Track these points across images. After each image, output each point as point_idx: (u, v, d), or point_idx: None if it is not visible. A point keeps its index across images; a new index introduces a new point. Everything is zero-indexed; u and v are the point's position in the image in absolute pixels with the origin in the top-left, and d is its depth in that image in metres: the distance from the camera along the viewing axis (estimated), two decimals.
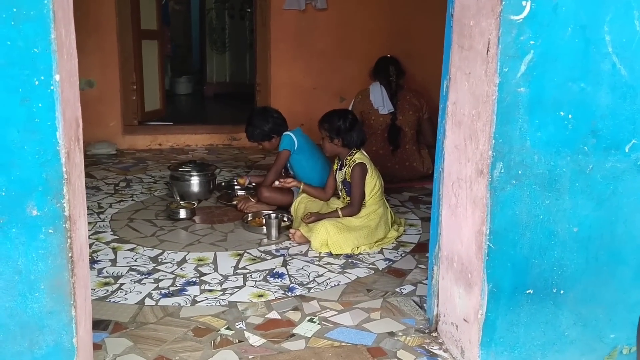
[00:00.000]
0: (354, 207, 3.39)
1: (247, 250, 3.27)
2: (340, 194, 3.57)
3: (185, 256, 3.18)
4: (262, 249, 3.31)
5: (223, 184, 4.52)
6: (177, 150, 5.78)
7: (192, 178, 4.11)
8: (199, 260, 3.13)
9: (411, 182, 4.64)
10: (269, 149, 4.12)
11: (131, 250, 3.26)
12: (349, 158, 3.45)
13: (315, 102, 5.77)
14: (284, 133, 3.88)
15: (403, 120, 4.68)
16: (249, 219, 3.72)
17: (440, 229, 2.37)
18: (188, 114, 7.66)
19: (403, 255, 3.26)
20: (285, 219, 3.66)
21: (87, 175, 4.78)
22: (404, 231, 3.58)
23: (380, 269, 3.07)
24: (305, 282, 2.89)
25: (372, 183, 3.41)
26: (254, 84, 6.28)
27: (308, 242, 3.32)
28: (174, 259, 3.14)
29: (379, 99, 4.66)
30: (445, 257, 2.32)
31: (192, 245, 3.34)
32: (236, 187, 4.36)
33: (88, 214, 3.79)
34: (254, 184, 4.29)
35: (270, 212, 3.77)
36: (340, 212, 3.39)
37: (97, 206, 4.01)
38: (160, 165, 5.22)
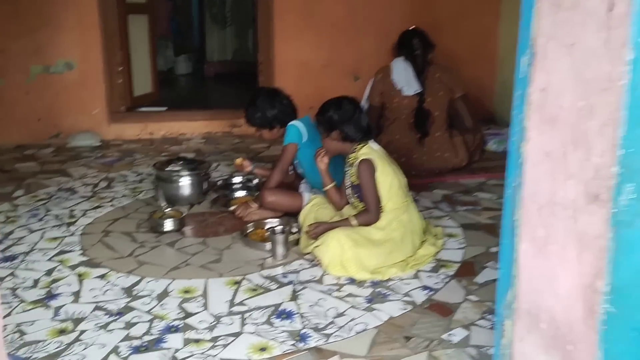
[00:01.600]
0: (371, 213, 2.70)
1: (247, 276, 2.59)
2: (352, 200, 2.86)
3: (168, 285, 2.50)
4: (265, 273, 2.62)
5: (219, 182, 3.82)
6: (170, 140, 5.08)
7: (182, 179, 3.41)
8: (185, 291, 2.45)
9: (442, 177, 3.92)
10: (268, 139, 3.40)
11: (101, 277, 2.58)
12: (352, 155, 2.75)
13: (326, 82, 5.04)
14: (290, 123, 3.17)
15: (432, 102, 3.94)
16: (249, 230, 3.03)
17: (516, 270, 1.66)
18: (185, 98, 6.92)
19: (446, 281, 2.56)
20: (293, 229, 2.97)
21: (63, 173, 4.11)
22: (443, 245, 2.88)
23: (419, 302, 2.37)
24: (321, 325, 2.20)
25: (386, 181, 2.70)
26: (256, 63, 5.54)
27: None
28: (153, 291, 2.46)
29: (403, 78, 3.92)
30: (526, 311, 1.62)
31: (179, 270, 2.66)
32: (234, 184, 3.66)
33: (55, 226, 3.16)
34: (257, 179, 3.59)
35: (275, 220, 3.08)
36: (353, 220, 2.69)
37: (68, 215, 3.33)
38: (150, 158, 4.52)
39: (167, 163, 3.50)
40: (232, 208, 3.35)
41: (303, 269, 2.66)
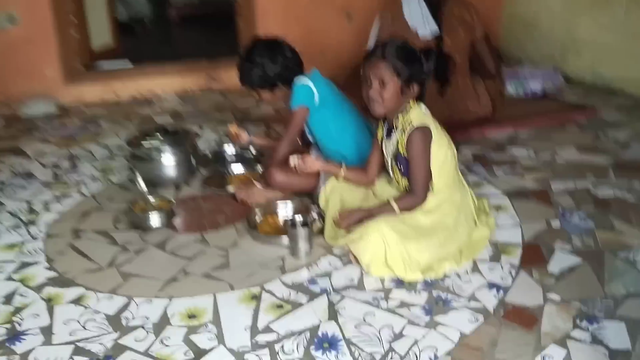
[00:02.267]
0: (417, 194, 2.15)
1: (266, 285, 2.04)
2: (391, 175, 2.30)
3: (166, 308, 1.94)
4: (288, 279, 2.08)
5: (209, 154, 3.21)
6: (139, 101, 4.40)
7: (164, 157, 2.79)
8: (189, 316, 1.89)
9: (466, 130, 3.37)
10: (269, 101, 2.78)
11: (77, 301, 2.00)
12: (401, 118, 2.17)
13: (316, 22, 4.38)
14: (297, 81, 2.55)
15: (452, 44, 3.34)
16: (258, 220, 2.46)
17: None
18: (151, 49, 6.12)
19: (512, 273, 2.05)
20: (314, 215, 2.41)
21: (15, 152, 3.44)
22: (495, 223, 2.36)
23: (491, 308, 1.87)
24: (378, 356, 1.68)
25: (440, 154, 2.15)
26: (232, 2, 4.79)
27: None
28: (148, 318, 1.90)
29: (418, 17, 3.31)
30: None
31: (176, 282, 2.09)
32: (228, 156, 3.06)
33: (11, 228, 2.52)
34: (255, 149, 3.00)
35: (286, 202, 2.51)
36: (394, 205, 2.14)
37: (26, 209, 2.71)
38: (119, 126, 3.87)
39: (142, 137, 2.86)
40: (230, 189, 2.76)
41: (335, 269, 2.11)
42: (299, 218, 2.26)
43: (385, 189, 2.34)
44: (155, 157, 2.78)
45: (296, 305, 1.92)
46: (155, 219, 2.43)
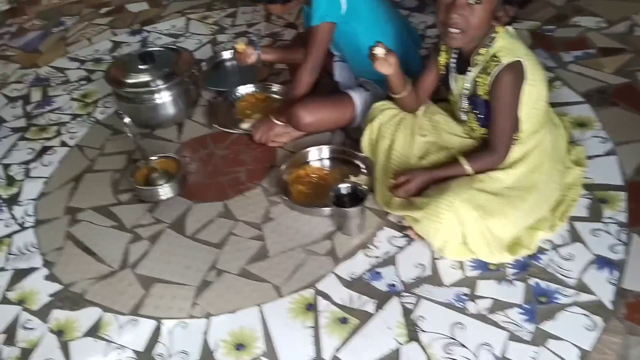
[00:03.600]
0: (498, 151, 1.67)
1: (319, 285, 1.65)
2: (462, 118, 1.79)
3: (205, 335, 1.58)
4: (344, 271, 1.68)
5: (205, 65, 2.63)
6: None
7: (157, 96, 2.23)
8: (237, 344, 1.54)
9: None
10: (280, 13, 2.14)
11: (95, 331, 1.64)
12: (484, 52, 1.62)
13: None
14: None
15: None
16: (285, 172, 2.00)
17: None
18: None
19: (623, 237, 1.65)
20: (362, 171, 1.96)
21: None
22: (585, 157, 1.90)
23: (609, 304, 1.50)
24: None
25: (533, 93, 1.63)
26: None
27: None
28: (186, 354, 1.54)
29: None
30: None
31: (209, 290, 1.69)
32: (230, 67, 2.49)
33: None
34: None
35: (321, 149, 2.04)
36: (467, 166, 1.68)
37: (4, 179, 2.23)
38: (86, 24, 3.18)
39: (124, 70, 2.26)
40: (244, 126, 2.25)
41: (399, 251, 1.71)
42: (345, 188, 1.80)
43: (452, 136, 1.84)
44: (145, 97, 2.22)
45: (364, 317, 1.55)
46: (166, 191, 1.97)
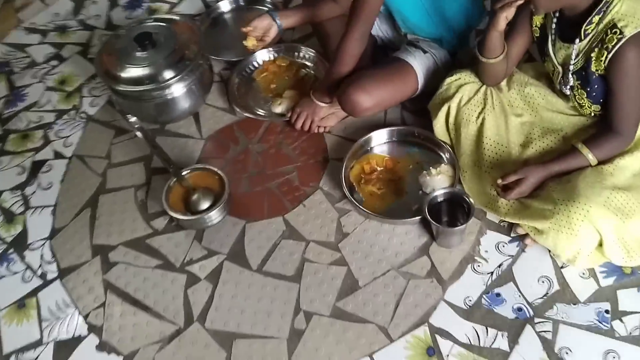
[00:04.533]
0: (624, 134, 1.39)
1: (434, 322, 1.41)
2: (566, 93, 1.48)
3: None
4: (455, 296, 1.44)
5: (201, 28, 2.17)
6: None
7: (167, 91, 1.82)
8: None
9: None
10: None
11: None
12: (596, 20, 1.31)
13: None
14: None
15: None
16: (346, 168, 1.68)
17: None
18: None
19: None
20: (442, 161, 1.66)
21: None
22: None
23: None
24: None
25: None
26: None
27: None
28: None
29: None
30: None
31: (303, 344, 1.43)
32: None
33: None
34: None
35: (386, 131, 1.72)
36: (589, 155, 1.40)
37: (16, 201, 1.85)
38: None
39: (119, 61, 1.81)
40: (278, 110, 1.88)
41: (513, 263, 1.47)
42: (442, 195, 1.50)
43: (555, 115, 1.53)
44: (153, 95, 1.80)
45: (499, 358, 1.34)
46: (214, 216, 1.63)
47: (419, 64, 1.71)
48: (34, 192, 1.85)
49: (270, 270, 1.56)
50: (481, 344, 1.37)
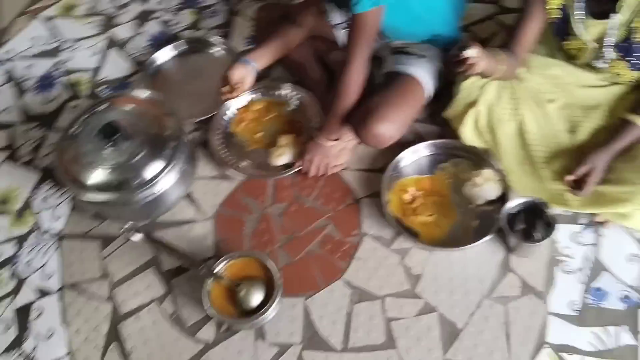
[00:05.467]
0: None
1: (549, 339, 1.35)
2: (601, 65, 1.42)
3: None
4: (558, 304, 1.38)
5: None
6: None
7: (154, 188, 1.55)
8: None
9: None
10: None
11: None
12: None
13: None
14: None
15: None
16: (385, 203, 1.54)
17: None
18: None
19: None
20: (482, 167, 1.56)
21: None
22: None
23: None
24: None
25: None
26: None
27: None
28: None
29: None
30: None
31: None
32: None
33: None
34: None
35: (415, 150, 1.60)
36: None
37: None
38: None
39: (82, 154, 1.52)
40: (279, 161, 1.67)
41: (597, 251, 1.43)
42: (517, 206, 1.41)
43: (590, 90, 1.47)
44: (136, 197, 1.53)
45: (629, 354, 1.31)
46: (273, 309, 1.43)
47: (422, 72, 1.58)
48: (36, 346, 1.53)
49: (358, 344, 1.41)
50: (609, 346, 1.32)
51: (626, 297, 1.37)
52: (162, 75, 1.93)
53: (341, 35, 1.73)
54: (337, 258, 1.53)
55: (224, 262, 1.47)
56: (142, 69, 1.93)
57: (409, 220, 1.53)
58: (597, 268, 1.42)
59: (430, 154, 1.62)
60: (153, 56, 1.93)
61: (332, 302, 1.47)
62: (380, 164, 1.64)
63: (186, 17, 2.09)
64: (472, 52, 1.28)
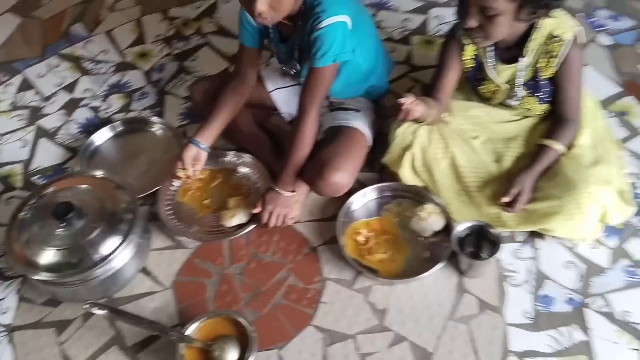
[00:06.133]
0: (576, 120, 1.61)
1: (512, 347, 1.46)
2: (513, 103, 1.65)
3: None
4: (512, 315, 1.51)
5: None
6: None
7: (112, 264, 1.55)
8: None
9: None
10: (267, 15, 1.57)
11: None
12: (535, 36, 1.51)
13: None
14: (328, 15, 1.50)
15: None
16: (342, 248, 1.64)
17: None
18: None
19: None
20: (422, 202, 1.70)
21: None
22: None
23: None
24: None
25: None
26: None
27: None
28: None
29: None
30: None
31: None
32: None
33: None
34: None
35: (363, 193, 1.72)
36: (559, 146, 1.58)
37: None
38: None
39: (33, 236, 1.50)
40: (233, 222, 1.72)
41: (537, 262, 1.59)
42: (464, 230, 1.55)
43: (506, 124, 1.69)
44: (94, 274, 1.52)
45: (583, 348, 1.44)
46: None
47: (361, 124, 1.73)
48: None
49: None
50: (565, 345, 1.45)
51: (570, 299, 1.52)
52: (99, 156, 1.94)
53: (278, 99, 1.86)
54: (304, 306, 1.58)
55: (194, 324, 1.48)
56: (78, 153, 1.93)
57: (366, 260, 1.62)
58: (540, 278, 1.57)
59: (376, 197, 1.74)
60: (89, 139, 1.94)
61: (306, 348, 1.51)
62: (329, 213, 1.73)
63: (115, 101, 2.13)
64: (409, 100, 1.45)
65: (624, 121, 1.86)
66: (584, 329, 1.47)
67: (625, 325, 1.47)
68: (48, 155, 2.00)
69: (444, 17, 2.24)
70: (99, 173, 1.68)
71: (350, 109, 1.76)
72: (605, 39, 2.11)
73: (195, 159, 1.70)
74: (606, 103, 1.89)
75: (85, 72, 2.25)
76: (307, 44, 1.54)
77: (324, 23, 1.48)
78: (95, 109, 2.12)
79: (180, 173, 1.70)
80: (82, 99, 2.16)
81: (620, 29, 2.15)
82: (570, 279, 1.55)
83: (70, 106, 2.14)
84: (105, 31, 2.39)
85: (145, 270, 1.68)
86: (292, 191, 1.68)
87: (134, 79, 2.20)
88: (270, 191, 1.67)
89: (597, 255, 1.59)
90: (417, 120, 1.58)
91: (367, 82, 1.77)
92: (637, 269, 1.55)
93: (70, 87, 2.20)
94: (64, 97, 2.18)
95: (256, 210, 1.67)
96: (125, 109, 2.11)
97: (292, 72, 1.77)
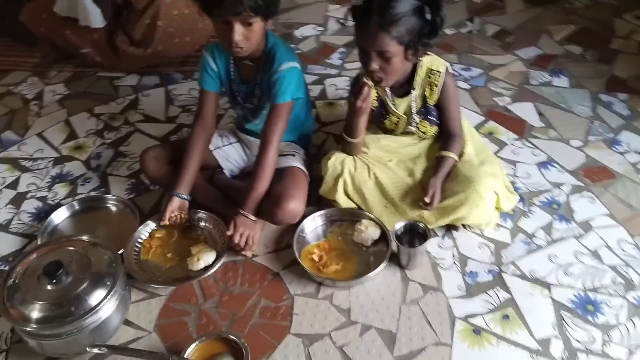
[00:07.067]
0: (459, 132, 2.09)
1: (457, 313, 1.79)
2: (412, 128, 2.09)
3: None
4: (450, 290, 1.85)
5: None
6: None
7: (99, 314, 1.69)
8: None
9: None
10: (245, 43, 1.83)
11: None
12: (419, 72, 1.99)
13: None
14: (284, 57, 1.91)
15: None
16: (302, 266, 1.92)
17: None
18: None
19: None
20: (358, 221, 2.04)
21: None
22: None
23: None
24: None
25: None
26: None
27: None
28: None
29: None
30: None
31: None
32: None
33: None
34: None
35: (314, 217, 2.02)
36: (453, 156, 2.03)
37: None
38: None
39: (23, 295, 1.62)
40: (199, 266, 1.92)
41: (458, 247, 1.97)
42: (399, 229, 1.90)
43: (410, 147, 2.11)
44: (83, 325, 1.65)
45: (511, 304, 1.81)
46: None
47: (299, 163, 2.06)
48: None
49: None
50: (495, 304, 1.81)
51: (490, 270, 1.90)
52: (59, 234, 2.08)
53: (219, 157, 2.15)
54: (279, 320, 1.81)
55: (190, 348, 1.65)
56: (38, 233, 2.05)
57: (323, 273, 1.90)
58: (463, 259, 1.94)
59: (322, 222, 2.05)
60: (49, 218, 2.08)
61: (290, 352, 1.72)
62: (283, 244, 2.01)
63: (60, 189, 2.29)
64: (370, 83, 1.85)
65: (494, 138, 2.40)
66: (506, 289, 1.84)
67: (535, 280, 1.86)
68: (6, 244, 2.10)
69: (337, 84, 2.71)
70: (75, 237, 1.83)
71: (288, 154, 2.10)
72: (463, 85, 2.69)
73: (181, 208, 1.96)
74: (477, 128, 2.41)
75: (24, 169, 2.40)
76: (267, 84, 1.90)
77: (284, 67, 1.86)
78: (42, 199, 2.26)
79: (171, 221, 1.96)
80: (28, 192, 2.30)
81: (473, 76, 2.76)
82: (486, 256, 1.94)
83: (18, 200, 2.26)
84: (36, 134, 2.58)
85: (127, 322, 1.82)
86: (255, 218, 1.94)
87: (74, 168, 2.39)
88: (239, 215, 1.92)
89: (500, 234, 2.01)
90: (348, 153, 1.96)
91: (301, 129, 2.13)
92: (531, 240, 1.98)
93: (13, 185, 2.33)
94: (9, 194, 2.30)
95: (229, 233, 1.90)
96: (71, 194, 2.27)
97: (251, 106, 2.05)
